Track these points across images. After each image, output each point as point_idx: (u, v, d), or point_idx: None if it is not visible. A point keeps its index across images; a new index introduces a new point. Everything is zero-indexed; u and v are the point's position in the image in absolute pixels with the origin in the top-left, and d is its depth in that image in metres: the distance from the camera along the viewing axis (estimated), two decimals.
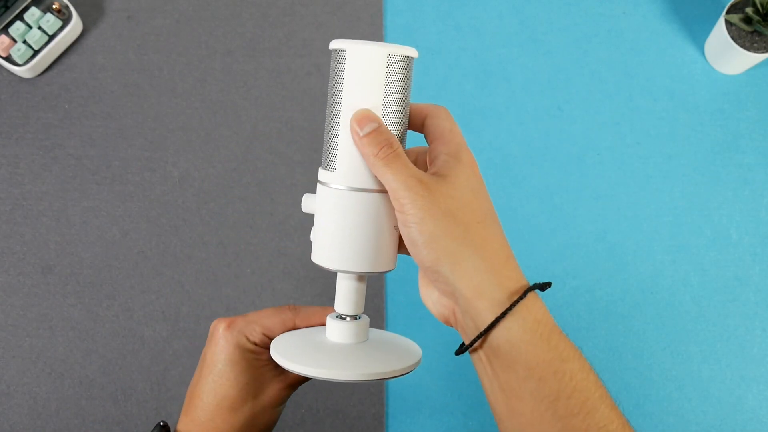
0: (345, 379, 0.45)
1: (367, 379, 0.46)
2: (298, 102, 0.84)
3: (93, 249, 0.80)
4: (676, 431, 0.76)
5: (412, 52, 0.46)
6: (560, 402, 0.41)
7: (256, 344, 0.52)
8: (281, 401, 0.54)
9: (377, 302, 0.78)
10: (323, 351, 0.48)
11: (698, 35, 0.87)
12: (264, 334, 0.52)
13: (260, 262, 0.79)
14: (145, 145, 0.83)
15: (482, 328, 0.42)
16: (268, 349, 0.53)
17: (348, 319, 0.50)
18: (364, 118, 0.44)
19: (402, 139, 0.47)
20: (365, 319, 0.50)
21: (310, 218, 0.83)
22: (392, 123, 0.46)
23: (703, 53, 0.87)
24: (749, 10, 0.79)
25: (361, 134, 0.44)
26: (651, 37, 0.88)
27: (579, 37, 0.87)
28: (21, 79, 0.84)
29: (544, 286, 0.44)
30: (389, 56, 0.44)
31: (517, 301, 0.41)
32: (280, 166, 0.82)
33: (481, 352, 0.43)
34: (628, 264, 0.80)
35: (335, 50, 0.46)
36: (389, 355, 0.49)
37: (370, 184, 0.46)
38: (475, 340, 0.42)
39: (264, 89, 0.85)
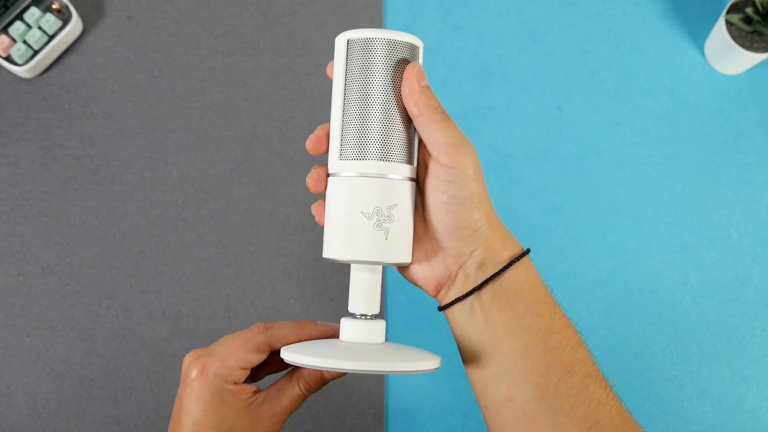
0: (368, 370, 0.45)
1: (388, 370, 0.45)
2: (298, 102, 0.84)
3: (93, 249, 0.80)
4: (676, 431, 0.76)
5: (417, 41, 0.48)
6: (552, 335, 0.46)
7: (235, 383, 0.49)
8: None
9: None
10: (341, 348, 0.47)
11: (698, 35, 0.87)
12: (241, 368, 0.49)
13: (260, 262, 0.79)
14: (145, 145, 0.83)
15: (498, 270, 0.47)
16: (248, 382, 0.50)
17: (361, 317, 0.48)
18: (421, 71, 0.46)
19: None
20: (381, 321, 0.49)
21: (310, 218, 0.83)
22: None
23: (703, 53, 0.87)
24: (749, 10, 0.79)
25: (423, 84, 0.46)
26: (651, 37, 0.88)
27: (579, 37, 0.87)
28: (21, 79, 0.84)
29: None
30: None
31: (528, 251, 0.48)
32: (280, 166, 0.82)
33: (476, 302, 0.47)
34: (628, 264, 0.80)
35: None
36: (407, 353, 0.48)
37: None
38: (499, 272, 0.47)
39: (264, 89, 0.85)
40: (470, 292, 0.47)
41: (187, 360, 0.49)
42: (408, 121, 0.47)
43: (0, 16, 0.82)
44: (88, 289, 0.78)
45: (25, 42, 0.82)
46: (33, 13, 0.82)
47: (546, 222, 0.81)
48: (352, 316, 0.49)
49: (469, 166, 0.45)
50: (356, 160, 0.46)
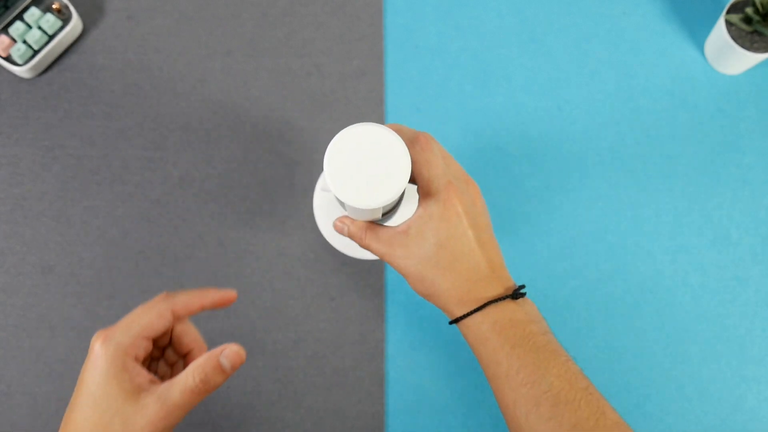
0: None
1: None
2: (298, 102, 0.84)
3: (93, 249, 0.80)
4: (676, 431, 0.76)
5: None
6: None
7: (136, 358, 0.48)
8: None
9: (377, 302, 0.78)
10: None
11: (698, 35, 0.87)
12: (144, 337, 0.48)
13: (260, 262, 0.79)
14: (145, 145, 0.83)
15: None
16: (150, 360, 0.53)
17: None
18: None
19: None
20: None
21: (310, 218, 0.83)
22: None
23: (703, 53, 0.87)
24: (749, 10, 0.79)
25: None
26: (651, 37, 0.88)
27: (579, 37, 0.87)
28: (21, 79, 0.84)
29: (516, 295, 0.54)
30: None
31: (475, 310, 0.53)
32: (280, 166, 0.82)
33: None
34: (628, 264, 0.80)
35: None
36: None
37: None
38: (460, 317, 0.55)
39: (264, 89, 0.85)
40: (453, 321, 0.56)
41: (95, 336, 0.48)
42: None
43: (0, 16, 0.82)
44: (88, 289, 0.78)
45: (25, 42, 0.82)
46: (33, 13, 0.82)
47: (546, 222, 0.81)
48: None
49: (395, 264, 0.58)
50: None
